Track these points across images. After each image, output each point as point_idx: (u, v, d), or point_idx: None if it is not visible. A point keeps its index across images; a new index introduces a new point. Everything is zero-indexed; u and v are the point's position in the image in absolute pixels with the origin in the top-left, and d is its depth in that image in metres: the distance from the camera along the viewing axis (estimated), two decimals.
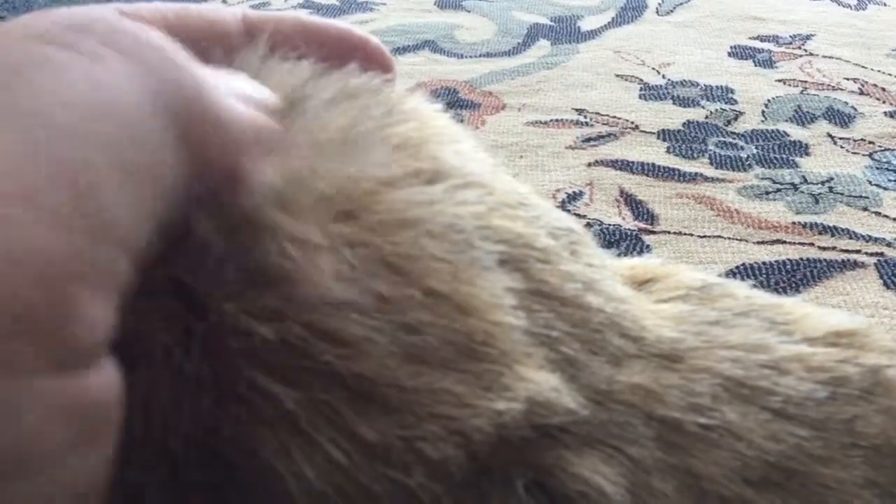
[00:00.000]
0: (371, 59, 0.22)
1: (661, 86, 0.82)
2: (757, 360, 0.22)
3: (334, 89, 0.19)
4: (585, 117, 0.75)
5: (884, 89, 0.80)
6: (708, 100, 0.79)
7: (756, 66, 0.87)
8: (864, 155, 0.69)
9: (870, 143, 0.71)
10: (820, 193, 0.63)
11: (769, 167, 0.67)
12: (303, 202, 0.17)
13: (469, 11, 1.05)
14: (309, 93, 0.19)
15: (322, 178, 0.17)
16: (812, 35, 0.94)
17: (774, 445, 0.21)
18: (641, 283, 0.25)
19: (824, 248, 0.57)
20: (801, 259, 0.56)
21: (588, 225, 0.59)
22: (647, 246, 0.57)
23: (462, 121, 0.69)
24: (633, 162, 0.68)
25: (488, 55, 0.91)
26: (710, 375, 0.21)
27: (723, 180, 0.65)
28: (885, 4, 1.03)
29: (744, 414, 0.21)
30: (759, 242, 0.58)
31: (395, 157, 0.19)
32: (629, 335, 0.21)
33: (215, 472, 0.16)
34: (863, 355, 0.23)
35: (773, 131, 0.73)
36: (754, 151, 0.70)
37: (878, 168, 0.67)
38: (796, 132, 0.73)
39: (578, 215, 0.60)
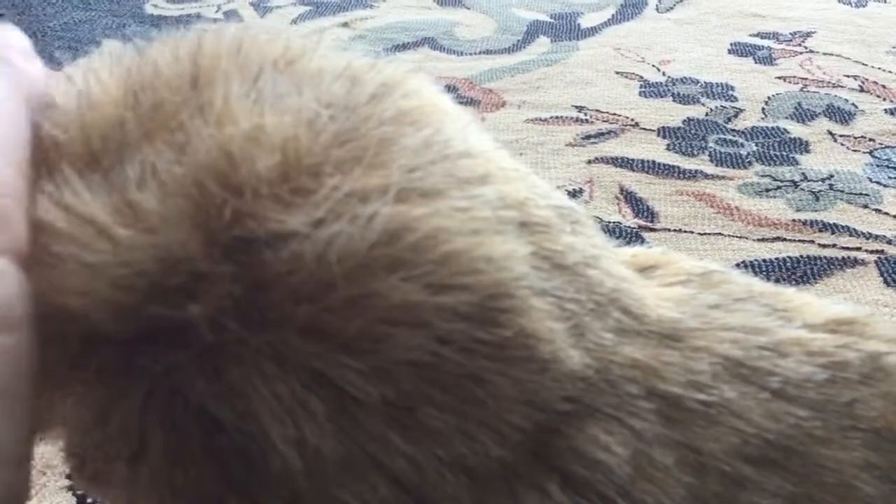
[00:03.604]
0: None
1: (661, 83, 0.82)
2: (756, 342, 0.22)
3: (337, 69, 0.19)
4: (585, 114, 0.75)
5: (884, 86, 0.80)
6: (708, 97, 0.79)
7: (756, 63, 0.86)
8: (864, 152, 0.69)
9: (870, 140, 0.71)
10: (820, 191, 0.63)
11: (769, 164, 0.67)
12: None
13: (469, 8, 1.05)
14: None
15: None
16: (812, 32, 0.94)
17: (773, 424, 0.21)
18: (643, 270, 0.25)
19: (824, 246, 0.57)
20: (802, 256, 0.56)
21: None
22: (647, 243, 0.57)
23: None
24: (633, 159, 0.68)
25: (488, 52, 0.91)
26: (710, 355, 0.21)
27: (723, 177, 0.65)
28: (885, 1, 1.03)
29: (743, 393, 0.21)
30: (759, 240, 0.57)
31: (403, 129, 0.19)
32: (630, 311, 0.21)
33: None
34: (863, 342, 0.23)
35: (773, 128, 0.73)
36: (754, 149, 0.69)
37: (878, 165, 0.67)
38: (796, 129, 0.73)
39: None
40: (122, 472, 0.18)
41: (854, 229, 0.58)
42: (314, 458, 0.17)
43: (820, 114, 0.75)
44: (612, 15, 1.01)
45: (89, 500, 0.39)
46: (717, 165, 0.67)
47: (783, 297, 0.25)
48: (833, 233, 0.58)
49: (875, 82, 0.81)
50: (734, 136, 0.72)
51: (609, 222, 0.59)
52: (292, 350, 0.16)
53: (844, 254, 0.56)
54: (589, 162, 0.67)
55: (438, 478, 0.17)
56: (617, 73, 0.84)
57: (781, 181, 0.65)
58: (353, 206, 0.17)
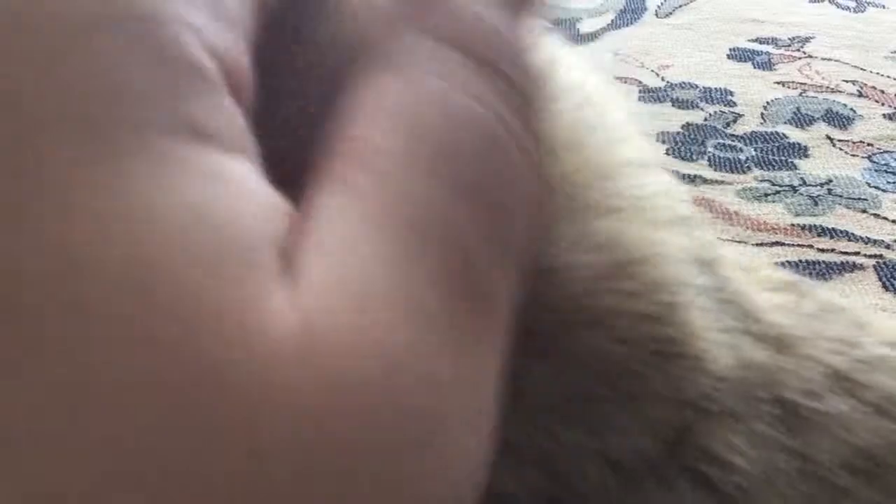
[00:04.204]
0: None
1: (660, 88, 0.82)
2: (854, 356, 0.22)
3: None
4: None
5: (883, 91, 0.80)
6: (707, 102, 0.79)
7: (755, 68, 0.87)
8: (862, 157, 0.69)
9: (868, 145, 0.71)
10: (819, 195, 0.63)
11: (768, 169, 0.67)
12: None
13: None
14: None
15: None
16: (811, 37, 0.94)
17: (875, 439, 0.21)
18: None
19: (823, 251, 0.57)
20: (800, 261, 0.56)
21: None
22: None
23: None
24: None
25: None
26: (819, 364, 0.21)
27: (722, 182, 0.65)
28: (884, 7, 1.03)
29: (850, 406, 0.21)
30: (758, 244, 0.58)
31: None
32: (750, 314, 0.21)
33: None
34: None
35: (772, 133, 0.73)
36: (753, 153, 0.70)
37: (876, 170, 0.67)
38: (795, 134, 0.73)
39: None
40: None
41: (852, 234, 0.58)
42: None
43: (819, 119, 0.75)
44: (612, 20, 1.01)
45: None
46: (715, 170, 0.67)
47: (858, 313, 0.25)
48: (832, 237, 0.58)
49: (874, 87, 0.81)
50: (733, 140, 0.72)
51: None
52: None
53: (843, 258, 0.56)
54: None
55: (588, 468, 0.18)
56: (616, 77, 0.84)
57: (780, 186, 0.65)
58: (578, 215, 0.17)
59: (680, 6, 1.05)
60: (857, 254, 0.56)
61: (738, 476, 0.19)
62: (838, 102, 0.78)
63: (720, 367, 0.19)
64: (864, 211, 0.61)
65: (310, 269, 0.11)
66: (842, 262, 0.55)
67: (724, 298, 0.20)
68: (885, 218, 0.60)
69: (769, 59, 0.88)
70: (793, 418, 0.20)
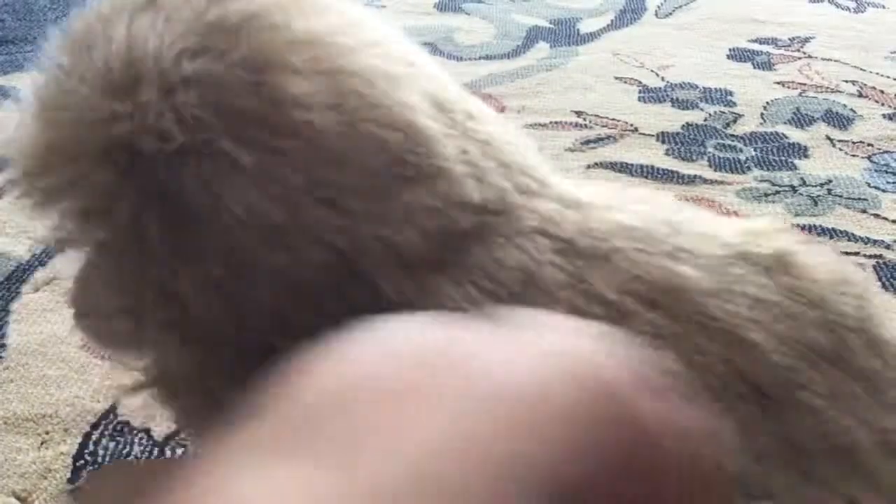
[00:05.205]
0: None
1: (660, 88, 0.82)
2: (657, 221, 0.25)
3: None
4: (584, 119, 0.76)
5: (882, 91, 0.80)
6: (707, 102, 0.79)
7: (755, 68, 0.87)
8: (862, 157, 0.69)
9: (868, 145, 0.71)
10: (819, 196, 0.63)
11: (768, 169, 0.67)
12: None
13: (468, 14, 1.05)
14: None
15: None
16: (811, 37, 0.94)
17: (660, 274, 0.24)
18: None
19: None
20: None
21: None
22: None
23: None
24: (632, 164, 0.68)
25: (488, 57, 0.91)
26: (607, 221, 0.25)
27: (722, 182, 0.65)
28: (883, 7, 1.04)
29: (635, 248, 0.24)
30: None
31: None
32: (535, 177, 0.25)
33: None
34: (773, 243, 0.26)
35: (771, 133, 0.73)
36: (753, 154, 0.70)
37: (876, 170, 0.67)
38: (795, 134, 0.73)
39: None
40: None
41: (852, 234, 0.59)
42: (259, 218, 0.21)
43: (818, 119, 0.75)
44: (612, 20, 1.02)
45: None
46: (715, 170, 0.67)
47: (703, 215, 0.28)
48: (831, 238, 0.58)
49: (873, 87, 0.81)
50: (733, 141, 0.72)
51: None
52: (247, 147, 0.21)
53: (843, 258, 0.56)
54: (588, 167, 0.68)
55: (369, 248, 0.22)
56: (616, 78, 0.84)
57: (780, 186, 0.65)
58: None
59: (680, 6, 1.05)
60: (856, 254, 0.56)
61: (502, 280, 0.23)
62: (838, 103, 0.78)
63: (474, 197, 0.23)
64: (863, 211, 0.61)
65: None
66: None
67: (503, 162, 0.24)
68: (885, 218, 0.60)
69: (769, 60, 0.89)
70: (566, 248, 0.24)
